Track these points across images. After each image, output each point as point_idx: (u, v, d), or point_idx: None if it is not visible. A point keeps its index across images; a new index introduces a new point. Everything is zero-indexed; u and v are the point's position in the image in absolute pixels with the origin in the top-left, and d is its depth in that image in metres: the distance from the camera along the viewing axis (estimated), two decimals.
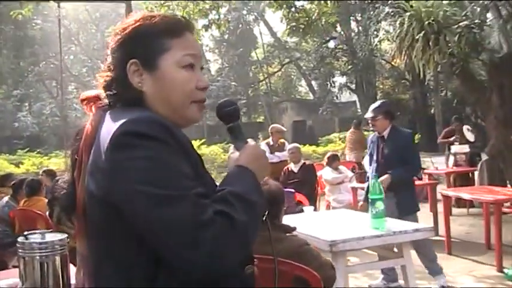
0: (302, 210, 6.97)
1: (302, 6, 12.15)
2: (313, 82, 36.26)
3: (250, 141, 1.66)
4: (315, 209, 7.85)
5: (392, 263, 4.78)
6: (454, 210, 10.07)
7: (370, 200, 4.44)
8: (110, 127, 1.38)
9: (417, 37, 8.95)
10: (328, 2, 12.15)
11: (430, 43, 8.99)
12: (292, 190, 7.31)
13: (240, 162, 1.54)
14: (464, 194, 7.29)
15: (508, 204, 7.17)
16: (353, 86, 32.47)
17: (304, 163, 9.11)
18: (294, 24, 11.82)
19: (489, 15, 10.36)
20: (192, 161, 1.39)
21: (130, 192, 1.29)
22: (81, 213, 1.46)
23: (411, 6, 9.36)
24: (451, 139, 11.98)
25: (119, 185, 1.31)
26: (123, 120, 1.35)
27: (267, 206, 1.58)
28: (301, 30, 12.43)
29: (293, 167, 8.84)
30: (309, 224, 4.66)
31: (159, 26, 1.51)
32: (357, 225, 4.58)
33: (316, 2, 11.79)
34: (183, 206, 1.27)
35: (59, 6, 15.76)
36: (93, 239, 1.45)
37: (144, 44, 1.49)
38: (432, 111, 29.86)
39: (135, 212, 1.29)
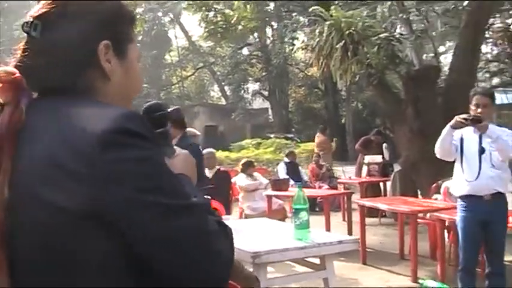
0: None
1: (221, 9, 11.97)
2: (226, 87, 36.19)
3: (178, 149, 1.51)
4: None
5: (314, 276, 4.64)
6: (366, 220, 10.12)
7: (293, 210, 4.30)
8: (80, 122, 1.09)
9: (336, 46, 8.97)
10: (248, 6, 12.05)
11: (349, 53, 9.03)
12: (208, 197, 7.08)
13: (181, 171, 1.40)
14: (381, 204, 7.32)
15: (421, 214, 7.23)
16: (266, 93, 32.66)
17: (219, 169, 8.94)
18: (212, 27, 11.63)
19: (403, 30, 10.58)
20: None
21: (132, 201, 1.06)
22: (1, 241, 1.09)
23: (331, 16, 9.38)
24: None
25: (115, 194, 1.05)
26: (108, 115, 1.09)
27: None
28: (219, 34, 12.29)
29: (207, 173, 8.61)
30: None
31: (127, 11, 1.30)
32: (279, 235, 4.42)
33: (236, 4, 11.64)
34: (195, 215, 1.14)
35: None
36: (47, 271, 1.09)
37: (118, 27, 1.27)
38: (343, 121, 30.42)
39: (141, 225, 1.07)
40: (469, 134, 4.89)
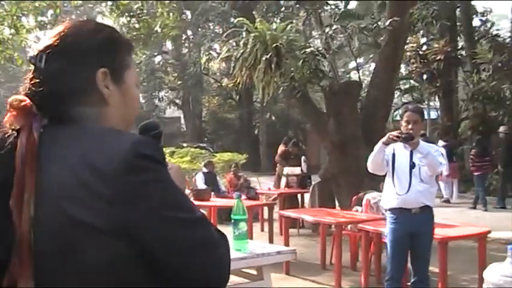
0: None
1: (144, 16, 11.84)
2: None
3: (169, 163, 1.57)
4: None
5: (253, 286, 4.67)
6: None
7: (233, 221, 4.32)
8: (101, 147, 1.22)
9: (263, 58, 9.07)
10: (171, 14, 12.00)
11: (273, 66, 9.16)
12: None
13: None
14: (305, 215, 7.45)
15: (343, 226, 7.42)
16: (179, 102, 32.56)
17: None
18: (135, 33, 11.49)
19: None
20: None
21: (154, 218, 1.21)
22: (28, 253, 1.18)
23: (256, 28, 9.49)
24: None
25: (139, 212, 1.19)
26: (126, 142, 1.23)
27: None
28: (141, 41, 12.18)
29: None
30: None
31: (124, 40, 1.45)
32: None
33: (159, 12, 11.56)
34: (204, 227, 1.28)
35: None
36: (69, 278, 1.20)
37: (115, 55, 1.39)
38: (256, 132, 30.71)
39: (162, 237, 1.22)
40: (401, 149, 5.08)
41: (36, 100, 1.29)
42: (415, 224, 5.03)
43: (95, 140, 1.25)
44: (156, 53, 30.24)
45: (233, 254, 4.11)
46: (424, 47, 17.42)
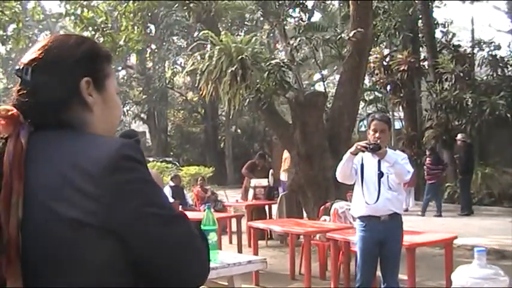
0: None
1: (108, 30, 11.79)
2: None
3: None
4: None
5: None
6: None
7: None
8: (88, 150, 1.30)
9: (228, 71, 9.10)
10: (136, 28, 11.98)
11: (238, 78, 9.20)
12: None
13: None
14: (274, 226, 7.46)
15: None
16: (144, 116, 32.41)
17: None
18: None
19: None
20: None
21: (139, 214, 1.28)
22: (16, 255, 1.24)
23: (221, 41, 9.52)
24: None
25: (123, 209, 1.26)
26: (112, 144, 1.32)
27: None
28: None
29: None
30: None
31: (104, 50, 1.52)
32: None
33: (124, 25, 11.53)
34: (184, 223, 1.36)
35: None
36: (58, 274, 1.26)
37: (96, 65, 1.46)
38: (222, 145, 30.68)
39: (146, 233, 1.29)
40: (369, 158, 5.13)
41: (24, 110, 1.35)
42: (384, 232, 5.08)
43: (81, 143, 1.33)
44: (120, 67, 30.10)
45: None
46: (388, 58, 17.65)
